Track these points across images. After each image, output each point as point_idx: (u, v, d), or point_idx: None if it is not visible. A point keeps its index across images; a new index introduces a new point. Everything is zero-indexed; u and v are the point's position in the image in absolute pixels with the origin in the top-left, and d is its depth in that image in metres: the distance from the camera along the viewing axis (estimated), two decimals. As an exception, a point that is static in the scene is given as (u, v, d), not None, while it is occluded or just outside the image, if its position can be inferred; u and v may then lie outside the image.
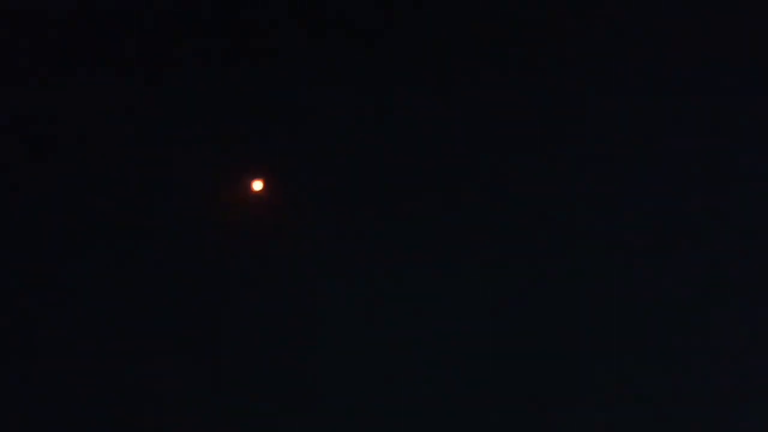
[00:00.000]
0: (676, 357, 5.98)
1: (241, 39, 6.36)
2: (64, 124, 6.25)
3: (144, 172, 6.24)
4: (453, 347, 6.06)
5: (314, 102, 6.31)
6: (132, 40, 6.32)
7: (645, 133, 6.22)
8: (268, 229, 6.23)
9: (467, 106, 6.27)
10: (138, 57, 6.32)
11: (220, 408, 6.02)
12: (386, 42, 6.35)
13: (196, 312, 6.13)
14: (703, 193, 6.14)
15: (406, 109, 6.27)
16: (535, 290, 6.10)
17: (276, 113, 6.31)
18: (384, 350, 6.05)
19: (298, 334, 6.12)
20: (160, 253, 6.17)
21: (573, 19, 6.31)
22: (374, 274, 6.14)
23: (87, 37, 6.30)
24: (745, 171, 6.16)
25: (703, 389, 5.93)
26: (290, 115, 6.31)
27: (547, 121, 6.25)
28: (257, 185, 6.26)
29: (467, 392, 5.99)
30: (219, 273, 6.18)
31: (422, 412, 5.99)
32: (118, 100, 6.28)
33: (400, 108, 6.28)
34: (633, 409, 5.94)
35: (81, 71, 6.29)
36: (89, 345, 6.06)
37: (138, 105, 6.28)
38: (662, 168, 6.19)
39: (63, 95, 6.25)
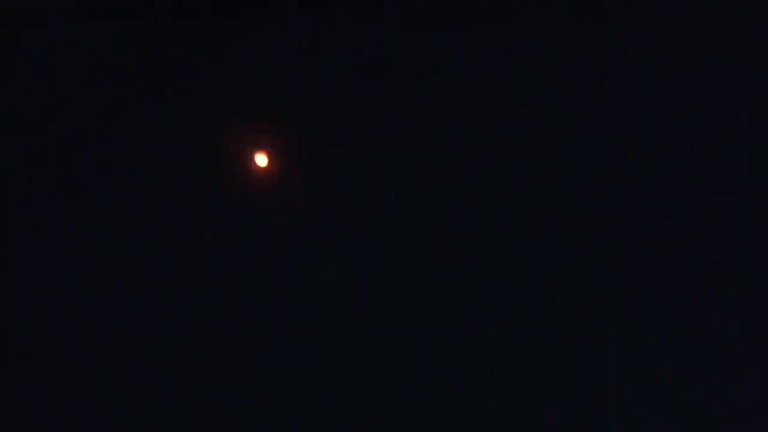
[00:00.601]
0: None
1: (247, 13, 6.25)
2: (59, 107, 6.20)
3: (145, 151, 6.15)
4: (455, 331, 6.05)
5: (320, 75, 6.21)
6: (133, 17, 6.25)
7: (647, 133, 6.21)
8: (272, 206, 6.10)
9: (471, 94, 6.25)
10: (140, 31, 6.23)
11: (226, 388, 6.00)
12: (394, 23, 6.28)
13: (198, 289, 6.06)
14: (704, 194, 6.13)
15: (414, 83, 6.22)
16: (534, 287, 6.10)
17: (281, 87, 6.20)
18: (388, 327, 6.01)
19: (303, 309, 6.05)
20: (162, 232, 6.08)
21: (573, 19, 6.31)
22: (380, 251, 6.07)
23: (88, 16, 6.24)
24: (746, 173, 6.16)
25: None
26: (296, 89, 6.18)
27: (548, 119, 6.24)
28: (262, 160, 6.15)
29: (468, 391, 5.98)
30: (222, 252, 6.08)
31: (422, 409, 5.97)
32: (121, 74, 6.21)
33: (408, 82, 6.21)
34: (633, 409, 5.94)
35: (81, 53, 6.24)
36: (89, 323, 6.02)
37: (140, 79, 6.20)
38: (663, 169, 6.18)
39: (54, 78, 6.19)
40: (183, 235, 6.09)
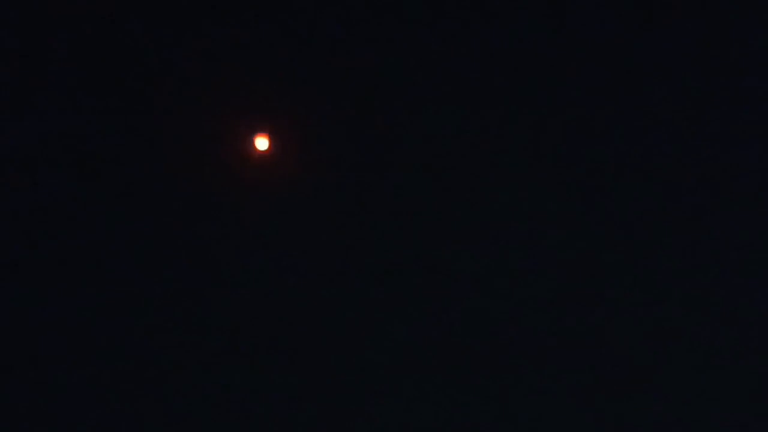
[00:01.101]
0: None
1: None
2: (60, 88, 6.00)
3: (143, 136, 5.90)
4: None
5: (321, 57, 6.00)
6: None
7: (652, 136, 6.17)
8: (272, 191, 5.86)
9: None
10: (139, 14, 6.00)
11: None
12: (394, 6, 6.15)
13: (199, 275, 5.85)
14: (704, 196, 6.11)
15: (416, 63, 6.05)
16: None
17: (281, 68, 5.96)
18: (390, 313, 5.89)
19: (303, 294, 5.88)
20: (160, 218, 5.86)
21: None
22: (381, 236, 5.92)
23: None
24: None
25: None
26: (296, 70, 5.92)
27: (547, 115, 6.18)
28: (262, 144, 5.91)
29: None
30: (222, 238, 5.86)
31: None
32: (120, 58, 5.96)
33: (410, 62, 6.04)
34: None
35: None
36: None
37: (139, 63, 5.95)
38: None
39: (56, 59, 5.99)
40: (183, 221, 5.91)
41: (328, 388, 5.84)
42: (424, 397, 5.86)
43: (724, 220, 6.05)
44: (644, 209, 6.05)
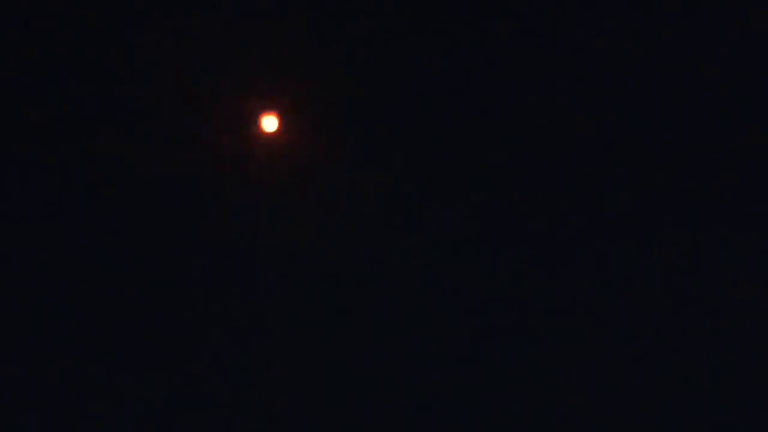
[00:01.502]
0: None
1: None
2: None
3: (150, 118, 5.84)
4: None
5: (330, 37, 5.91)
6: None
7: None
8: (280, 172, 5.80)
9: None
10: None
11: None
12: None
13: (206, 255, 5.82)
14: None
15: (421, 45, 6.00)
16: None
17: (290, 49, 5.85)
18: (399, 294, 5.85)
19: (309, 277, 5.84)
20: (168, 198, 5.82)
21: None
22: (390, 217, 5.89)
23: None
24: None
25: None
26: (305, 50, 5.82)
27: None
28: (270, 125, 5.82)
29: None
30: (230, 218, 5.81)
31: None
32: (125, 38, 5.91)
33: (415, 43, 5.97)
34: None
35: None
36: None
37: (143, 44, 5.87)
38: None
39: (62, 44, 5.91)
40: (191, 202, 5.85)
41: (332, 374, 5.83)
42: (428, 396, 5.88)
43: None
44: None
